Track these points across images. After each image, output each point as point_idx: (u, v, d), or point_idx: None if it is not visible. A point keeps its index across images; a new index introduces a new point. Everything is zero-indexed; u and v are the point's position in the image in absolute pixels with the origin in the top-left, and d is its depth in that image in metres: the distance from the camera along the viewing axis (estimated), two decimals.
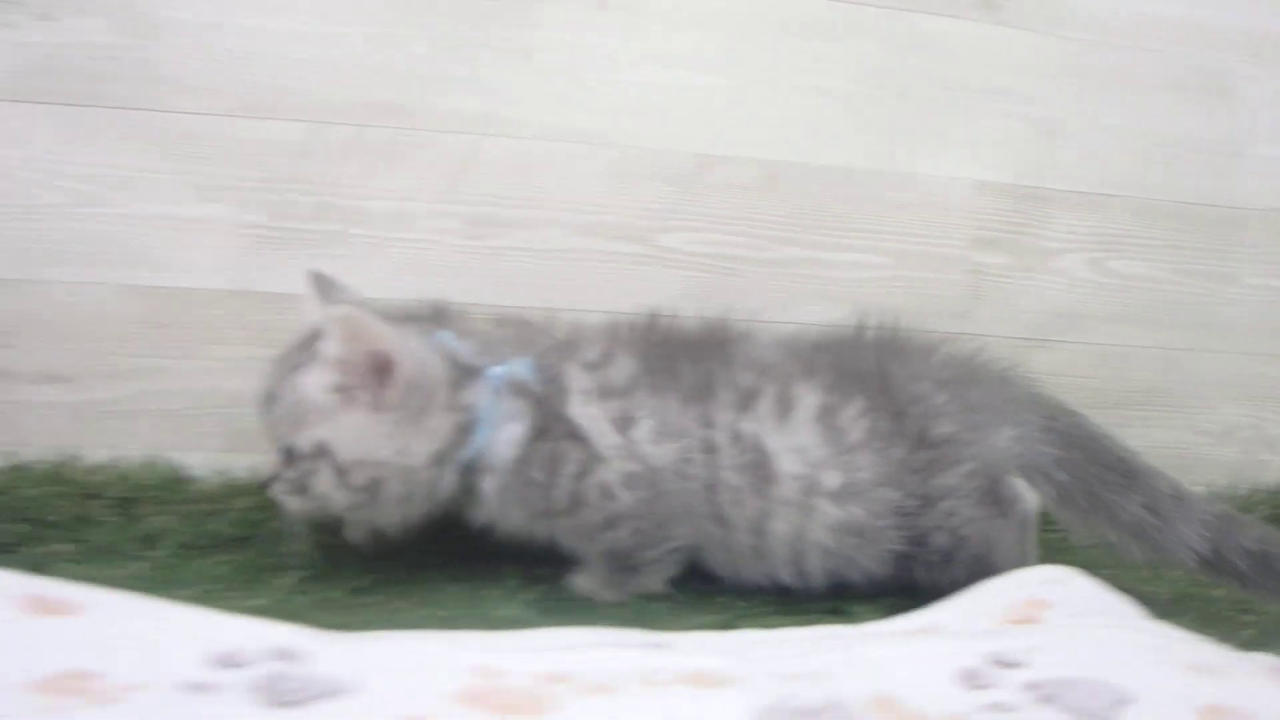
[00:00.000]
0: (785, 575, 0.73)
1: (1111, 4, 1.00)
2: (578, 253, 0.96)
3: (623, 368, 0.73)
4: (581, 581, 0.73)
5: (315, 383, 0.67)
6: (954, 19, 0.98)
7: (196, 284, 0.91)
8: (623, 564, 0.73)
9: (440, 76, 0.93)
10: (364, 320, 0.66)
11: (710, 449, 0.71)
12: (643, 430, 0.71)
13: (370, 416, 0.67)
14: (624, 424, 0.71)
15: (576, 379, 0.72)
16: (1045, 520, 0.79)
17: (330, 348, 0.67)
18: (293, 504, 0.70)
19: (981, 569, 0.70)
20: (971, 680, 0.52)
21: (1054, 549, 0.78)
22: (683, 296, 0.98)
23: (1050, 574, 0.67)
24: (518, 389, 0.71)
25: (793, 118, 0.98)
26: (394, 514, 0.70)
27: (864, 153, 0.99)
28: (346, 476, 0.67)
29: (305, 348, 0.70)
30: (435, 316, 0.75)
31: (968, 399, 0.75)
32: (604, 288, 0.96)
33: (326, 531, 0.73)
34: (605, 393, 0.72)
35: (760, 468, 0.71)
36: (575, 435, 0.70)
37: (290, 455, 0.68)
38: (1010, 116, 1.01)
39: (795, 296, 1.00)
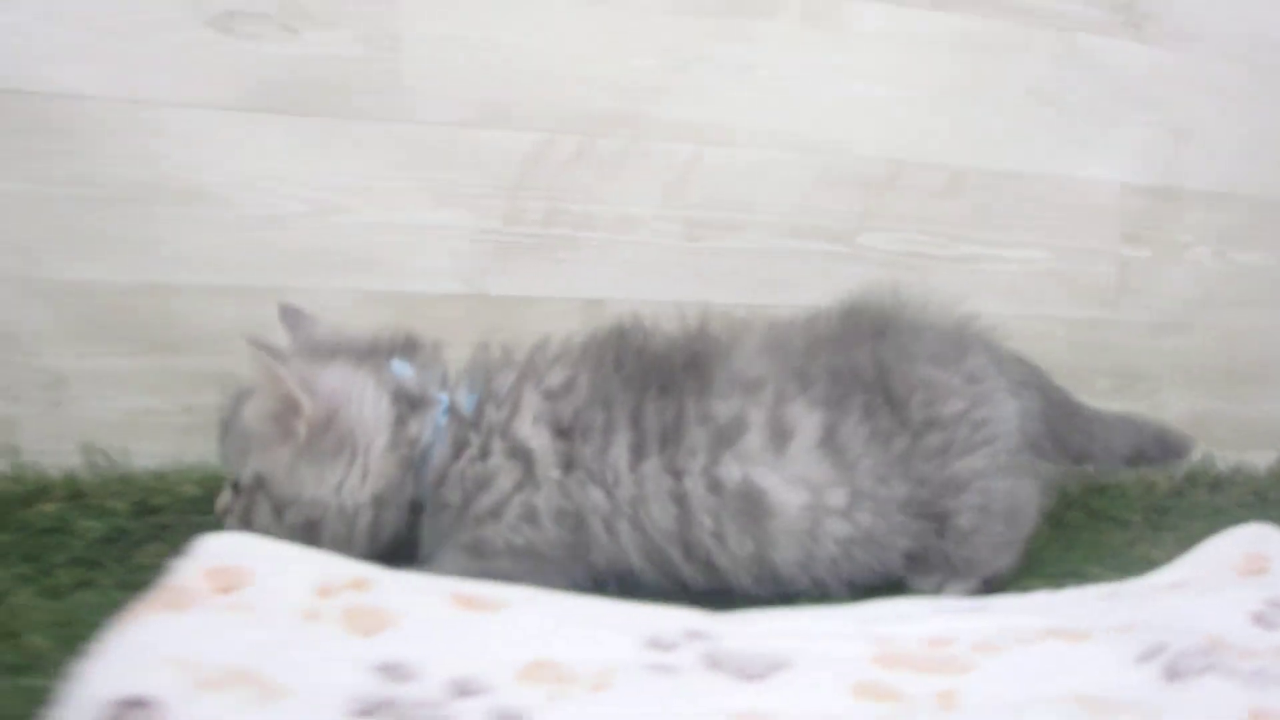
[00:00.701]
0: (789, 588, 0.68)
1: (1235, 23, 1.12)
2: (786, 252, 1.01)
3: (576, 399, 0.67)
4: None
5: (253, 413, 0.65)
6: (1105, 36, 1.08)
7: (434, 289, 0.92)
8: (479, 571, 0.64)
9: (665, 89, 0.96)
10: (268, 362, 0.62)
11: (680, 499, 0.65)
12: (581, 474, 0.65)
13: (298, 456, 0.64)
14: (567, 462, 0.66)
15: (531, 401, 0.67)
16: None
17: (258, 382, 0.65)
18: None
19: (1008, 537, 0.73)
20: (1261, 622, 0.57)
21: None
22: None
23: (1255, 531, 0.72)
24: (454, 417, 0.67)
25: (971, 127, 1.06)
26: (342, 551, 0.64)
27: (1030, 158, 1.08)
28: (282, 514, 0.64)
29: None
30: (405, 350, 0.70)
31: (967, 371, 0.74)
32: (809, 285, 1.01)
33: None
34: (555, 424, 0.66)
35: (753, 508, 0.65)
36: (517, 454, 0.65)
37: (236, 487, 0.66)
38: (1150, 124, 1.11)
39: (973, 290, 1.07)
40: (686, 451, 0.65)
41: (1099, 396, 1.13)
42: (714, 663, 0.51)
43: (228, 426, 0.67)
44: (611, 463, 0.65)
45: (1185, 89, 1.12)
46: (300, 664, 0.45)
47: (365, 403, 0.65)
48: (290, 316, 0.74)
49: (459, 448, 0.66)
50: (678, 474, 0.65)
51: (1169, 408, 1.15)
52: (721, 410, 0.66)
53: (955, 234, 1.06)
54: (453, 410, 0.67)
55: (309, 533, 0.64)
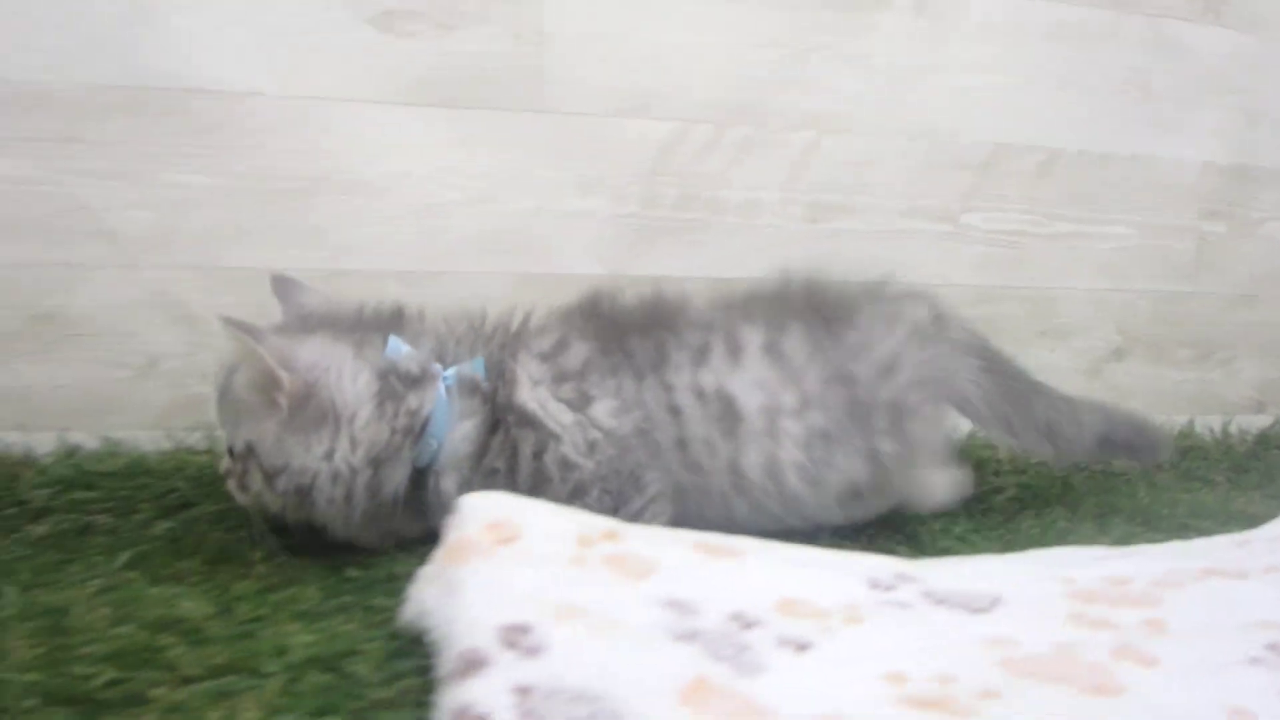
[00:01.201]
0: (774, 506, 0.74)
1: None
2: (897, 232, 1.07)
3: (576, 353, 0.73)
4: None
5: (242, 383, 0.67)
6: (1188, 22, 1.13)
7: (578, 270, 0.97)
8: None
9: (788, 80, 1.01)
10: (244, 338, 0.65)
11: (675, 411, 0.73)
12: (600, 408, 0.71)
13: (282, 427, 0.66)
14: (580, 403, 0.71)
15: (528, 368, 0.72)
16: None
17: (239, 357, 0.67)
18: (240, 499, 0.69)
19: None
20: None
21: None
22: (980, 268, 1.10)
23: None
24: (470, 388, 0.71)
25: (1065, 111, 1.11)
26: (335, 517, 0.68)
27: (1118, 140, 1.13)
28: (272, 481, 0.66)
29: None
30: (391, 321, 0.73)
31: (905, 316, 0.80)
32: (918, 263, 1.07)
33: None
34: (559, 378, 0.72)
35: (728, 413, 0.73)
36: (527, 422, 0.70)
37: (231, 453, 0.69)
38: (1228, 106, 1.17)
39: (1067, 265, 1.13)
40: (674, 368, 0.73)
41: (1179, 365, 1.19)
42: (937, 600, 0.57)
43: (222, 395, 0.69)
44: (625, 393, 0.72)
45: (1262, 72, 1.17)
46: (604, 600, 0.50)
47: (344, 375, 0.67)
48: (282, 287, 0.76)
49: (487, 421, 0.70)
50: (669, 388, 0.73)
51: (1243, 375, 1.21)
52: (691, 339, 0.75)
53: (1051, 213, 1.12)
54: (462, 379, 0.71)
55: (300, 498, 0.66)
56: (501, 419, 0.70)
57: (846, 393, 0.75)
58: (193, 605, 0.60)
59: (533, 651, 0.43)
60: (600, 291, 0.78)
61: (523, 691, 0.39)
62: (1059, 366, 1.14)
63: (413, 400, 0.68)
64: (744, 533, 0.67)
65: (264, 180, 0.90)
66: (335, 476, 0.66)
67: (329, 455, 0.66)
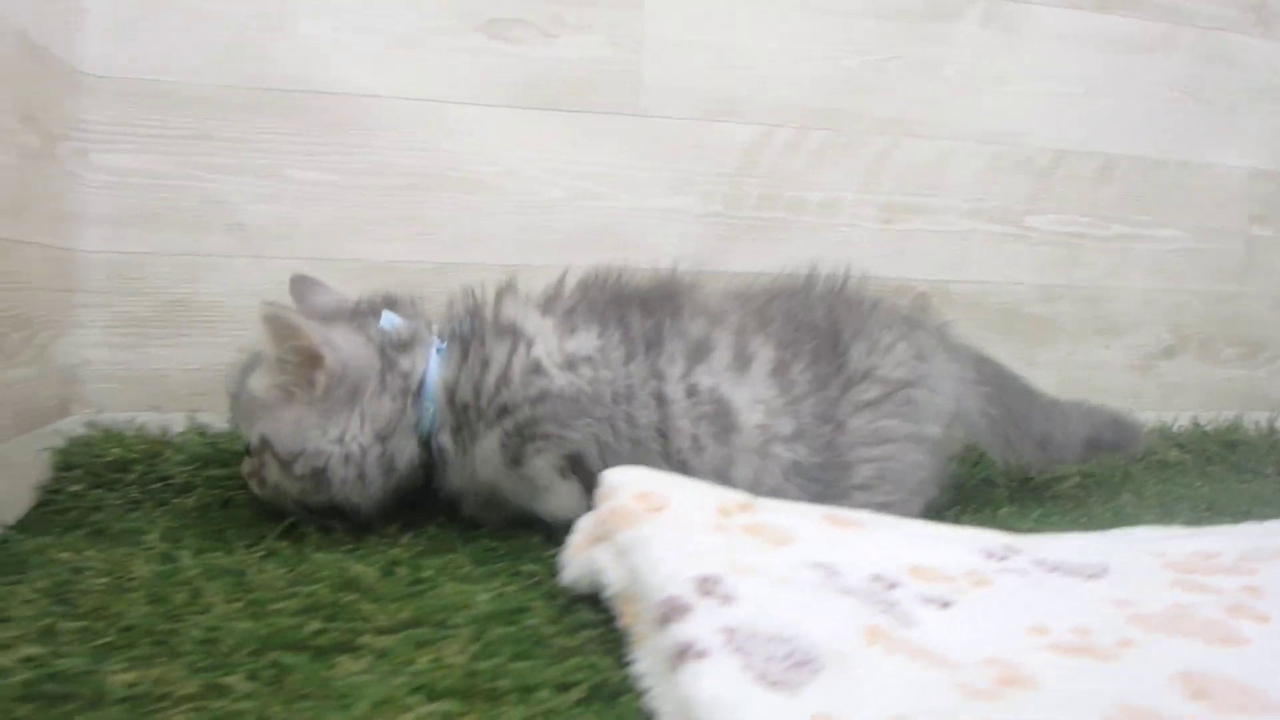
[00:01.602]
0: None
1: None
2: (964, 233, 1.11)
3: (567, 301, 0.75)
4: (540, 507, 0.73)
5: (258, 381, 0.70)
6: (1238, 33, 1.18)
7: (668, 265, 1.02)
8: (517, 446, 0.70)
9: (866, 87, 1.06)
10: (286, 318, 0.68)
11: (661, 400, 0.72)
12: (582, 338, 0.72)
13: (304, 409, 0.69)
14: (563, 326, 0.72)
15: (516, 301, 0.74)
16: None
17: (268, 347, 0.69)
18: (262, 493, 0.73)
19: (888, 503, 0.75)
20: None
21: None
22: (1041, 268, 1.15)
23: None
24: (454, 339, 0.73)
25: (1122, 118, 1.16)
26: (352, 494, 0.71)
27: (1172, 146, 1.18)
28: (289, 467, 0.69)
29: (254, 352, 0.73)
30: (383, 305, 0.76)
31: (917, 345, 0.79)
32: (984, 262, 1.12)
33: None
34: (545, 311, 0.74)
35: (722, 418, 0.72)
36: (505, 330, 0.71)
37: (249, 451, 0.72)
38: (1275, 115, 1.21)
39: (1122, 266, 1.18)
40: (667, 358, 0.72)
41: (1227, 363, 1.24)
42: (1050, 567, 0.62)
43: (236, 395, 0.73)
44: (610, 346, 0.72)
45: None
46: (762, 560, 0.55)
47: (361, 356, 0.71)
48: (300, 286, 0.79)
49: (463, 357, 0.71)
50: (659, 376, 0.72)
51: None
52: (692, 330, 0.74)
53: (1108, 215, 1.16)
54: (451, 335, 0.73)
55: (317, 480, 0.69)
56: (475, 344, 0.71)
57: (832, 436, 0.74)
58: (362, 568, 0.66)
59: (727, 599, 0.47)
60: (606, 267, 0.78)
61: (728, 632, 0.44)
62: (1112, 363, 1.19)
63: (404, 362, 0.71)
64: None
65: (380, 177, 0.95)
66: (346, 459, 0.69)
67: (340, 439, 0.69)
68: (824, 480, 0.74)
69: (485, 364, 0.70)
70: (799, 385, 0.74)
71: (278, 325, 0.67)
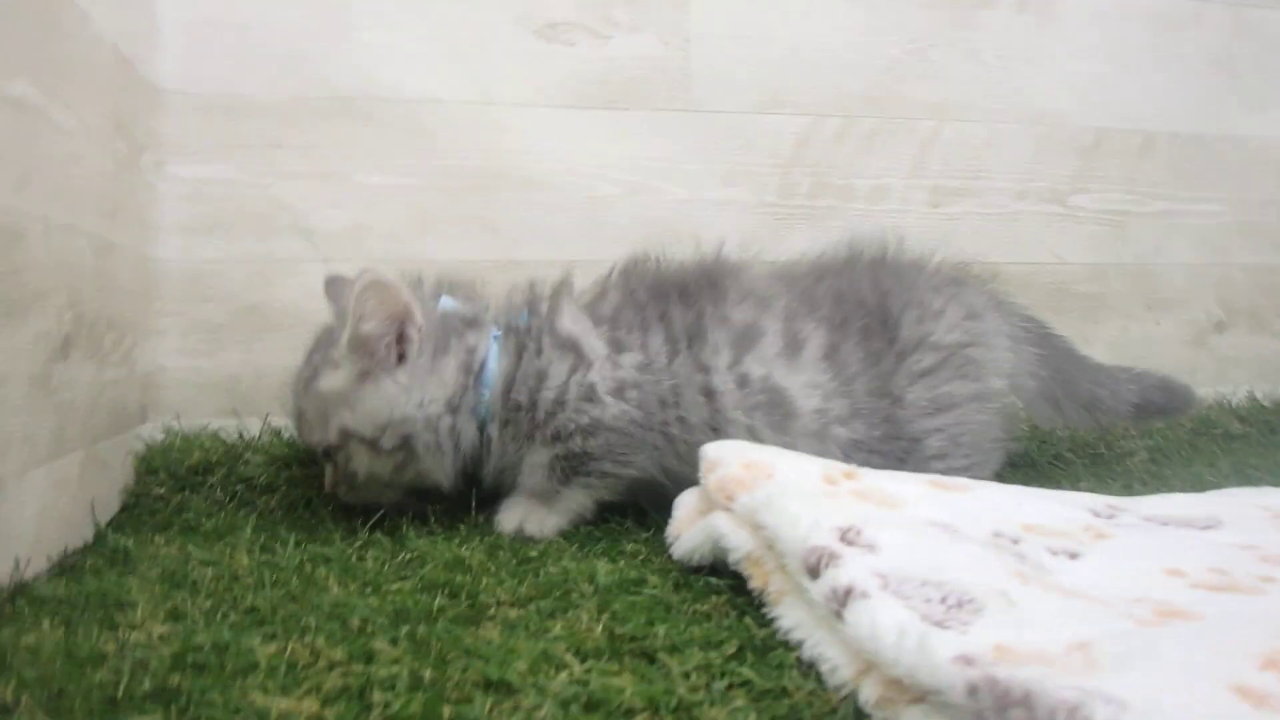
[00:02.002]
0: None
1: None
2: (1013, 214, 1.12)
3: (610, 302, 0.75)
4: (505, 517, 0.72)
5: (329, 381, 0.69)
6: (1265, 8, 1.19)
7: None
8: (566, 472, 0.71)
9: (909, 74, 1.08)
10: (388, 279, 0.68)
11: (710, 394, 0.71)
12: (630, 359, 0.71)
13: (385, 380, 0.69)
14: (614, 345, 0.72)
15: (570, 308, 0.74)
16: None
17: (352, 324, 0.68)
18: (352, 494, 0.72)
19: (967, 465, 0.75)
20: None
21: None
22: (1088, 247, 1.15)
23: None
24: (510, 331, 0.73)
25: (1160, 94, 1.17)
26: (434, 465, 0.71)
27: (1210, 120, 1.19)
28: (378, 444, 0.69)
29: (309, 360, 0.73)
30: (438, 284, 0.77)
31: (966, 304, 0.78)
32: (1032, 242, 1.12)
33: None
34: (597, 322, 0.73)
35: (778, 407, 0.72)
36: (562, 344, 0.71)
37: (328, 454, 0.71)
38: None
39: (1167, 241, 1.18)
40: (711, 349, 0.72)
41: (1277, 335, 1.24)
42: (1161, 522, 0.61)
43: (300, 411, 0.72)
44: (653, 353, 0.72)
45: None
46: (886, 517, 0.55)
47: (435, 316, 0.72)
48: (335, 287, 0.78)
49: (519, 354, 0.72)
50: (705, 369, 0.72)
51: None
52: (737, 316, 0.73)
53: (1151, 192, 1.17)
54: (507, 327, 0.73)
55: (406, 450, 0.69)
56: (538, 346, 0.71)
57: (890, 409, 0.74)
58: (466, 551, 0.66)
59: (871, 548, 0.47)
60: (647, 255, 0.78)
61: (881, 577, 0.44)
62: (1166, 337, 1.19)
63: (470, 338, 0.72)
64: None
65: (444, 179, 0.96)
66: (427, 423, 0.69)
67: (421, 403, 0.69)
68: (886, 453, 0.74)
69: (542, 377, 0.71)
70: (851, 365, 0.74)
71: (380, 289, 0.67)
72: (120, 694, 0.42)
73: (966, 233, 1.10)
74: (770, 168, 1.05)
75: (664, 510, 0.67)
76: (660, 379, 0.71)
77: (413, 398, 0.69)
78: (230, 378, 0.92)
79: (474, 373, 0.71)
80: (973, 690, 0.34)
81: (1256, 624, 0.41)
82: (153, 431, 0.86)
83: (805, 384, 0.73)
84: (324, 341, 0.73)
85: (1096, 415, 0.85)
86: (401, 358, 0.70)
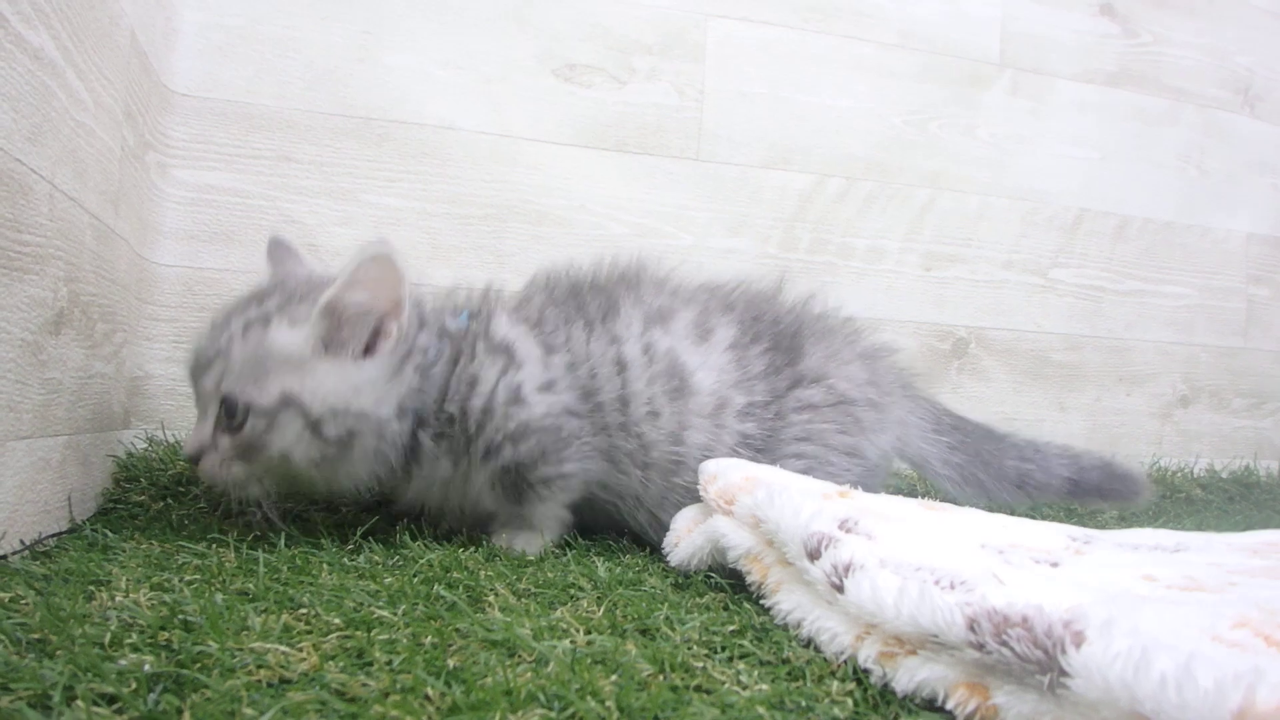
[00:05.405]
0: (680, 497, 0.68)
1: None
2: (998, 282, 1.10)
3: (536, 304, 0.72)
4: (501, 537, 0.67)
5: (288, 335, 0.60)
6: (1230, 112, 1.22)
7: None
8: (509, 489, 0.66)
9: (910, 143, 1.07)
10: (398, 261, 0.60)
11: (621, 365, 0.68)
12: (559, 359, 0.68)
13: (350, 367, 0.61)
14: (545, 348, 0.68)
15: (501, 311, 0.70)
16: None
17: (347, 292, 0.60)
18: (234, 471, 0.60)
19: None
20: None
21: None
22: (1066, 318, 1.14)
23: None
24: (445, 335, 0.67)
25: (1136, 182, 1.18)
26: (360, 470, 0.63)
27: (1179, 209, 1.20)
28: (320, 428, 0.59)
29: (258, 303, 0.62)
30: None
31: (875, 373, 0.76)
32: (1017, 310, 1.11)
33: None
34: (526, 322, 0.70)
35: (675, 376, 0.69)
36: (497, 348, 0.67)
37: (241, 412, 0.59)
38: (1268, 185, 1.25)
39: (1139, 318, 1.17)
40: (624, 323, 0.69)
41: (1237, 413, 1.23)
42: (1132, 547, 0.59)
43: (223, 353, 0.60)
44: (575, 344, 0.68)
45: None
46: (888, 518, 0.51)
47: (413, 317, 0.65)
48: (277, 250, 0.70)
49: (454, 360, 0.66)
50: (616, 340, 0.69)
51: None
52: (653, 300, 0.71)
53: (1124, 271, 1.17)
54: (443, 331, 0.67)
55: (344, 445, 0.60)
56: (472, 352, 0.66)
57: (774, 422, 0.71)
58: (463, 553, 0.61)
59: (868, 536, 0.47)
60: (570, 264, 0.75)
61: (879, 560, 0.44)
62: (1136, 410, 1.17)
63: (423, 337, 0.65)
64: (633, 522, 0.69)
65: (457, 206, 0.91)
66: (379, 424, 0.61)
67: (381, 400, 0.61)
68: (765, 452, 0.70)
69: (474, 382, 0.64)
70: (755, 366, 0.71)
71: (387, 266, 0.59)
72: (108, 643, 0.38)
73: (957, 297, 1.09)
74: (774, 221, 1.02)
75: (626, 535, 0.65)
76: (580, 366, 0.67)
77: (375, 393, 0.61)
78: None
79: (424, 372, 0.64)
80: (973, 623, 0.35)
81: (1230, 606, 0.39)
82: (134, 439, 0.78)
83: (707, 365, 0.69)
84: (268, 294, 0.63)
85: (1029, 491, 0.80)
86: (368, 350, 0.61)
